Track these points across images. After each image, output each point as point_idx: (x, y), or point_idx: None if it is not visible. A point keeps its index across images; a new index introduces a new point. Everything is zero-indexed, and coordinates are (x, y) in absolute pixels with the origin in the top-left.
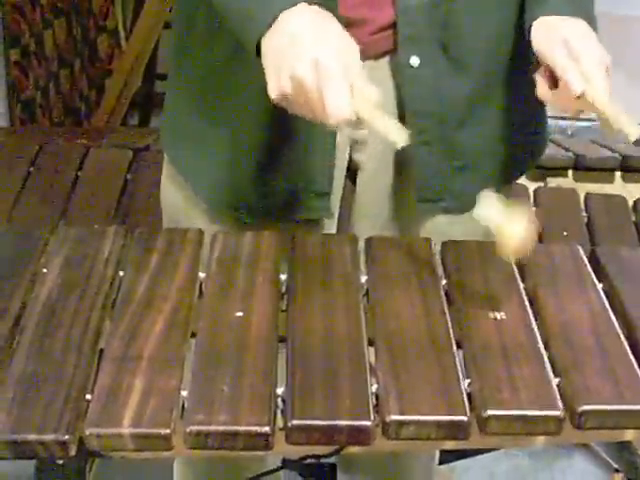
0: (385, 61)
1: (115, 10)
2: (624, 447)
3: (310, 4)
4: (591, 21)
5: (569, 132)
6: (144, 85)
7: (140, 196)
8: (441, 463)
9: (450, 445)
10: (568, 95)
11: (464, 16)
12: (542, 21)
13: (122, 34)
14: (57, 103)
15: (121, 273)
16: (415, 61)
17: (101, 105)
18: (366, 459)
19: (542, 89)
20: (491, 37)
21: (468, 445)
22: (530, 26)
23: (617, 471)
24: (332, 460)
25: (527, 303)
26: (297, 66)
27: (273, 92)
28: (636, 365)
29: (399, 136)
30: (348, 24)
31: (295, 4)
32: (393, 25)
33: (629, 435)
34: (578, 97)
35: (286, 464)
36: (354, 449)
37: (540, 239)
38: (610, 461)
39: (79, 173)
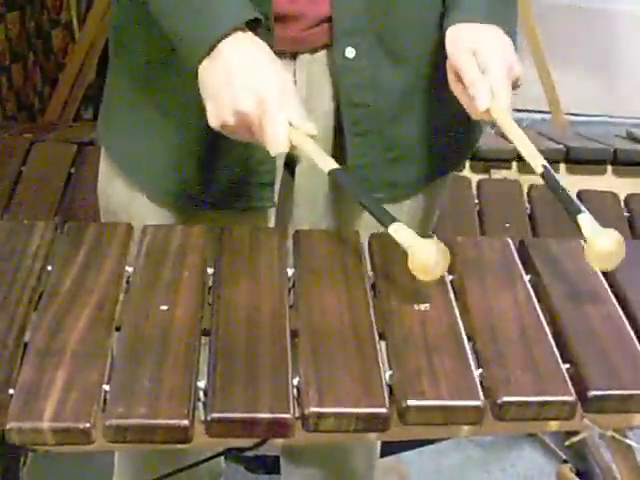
0: (322, 54)
1: (69, 4)
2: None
3: (243, 30)
4: (509, 26)
5: (524, 124)
6: (98, 78)
7: (83, 190)
8: (385, 454)
9: (372, 437)
10: (474, 105)
11: (402, 9)
12: (454, 30)
13: (76, 28)
14: (10, 98)
15: (49, 267)
16: (350, 53)
17: (53, 99)
18: (308, 449)
19: (451, 81)
20: (428, 30)
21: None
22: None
23: (565, 462)
24: (275, 452)
25: (452, 295)
26: (240, 101)
27: (214, 123)
28: (558, 357)
29: (326, 164)
30: (284, 19)
31: (229, 32)
32: (329, 19)
33: (553, 426)
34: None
35: (228, 450)
36: (278, 441)
37: (482, 230)
38: (559, 452)
39: (23, 168)
